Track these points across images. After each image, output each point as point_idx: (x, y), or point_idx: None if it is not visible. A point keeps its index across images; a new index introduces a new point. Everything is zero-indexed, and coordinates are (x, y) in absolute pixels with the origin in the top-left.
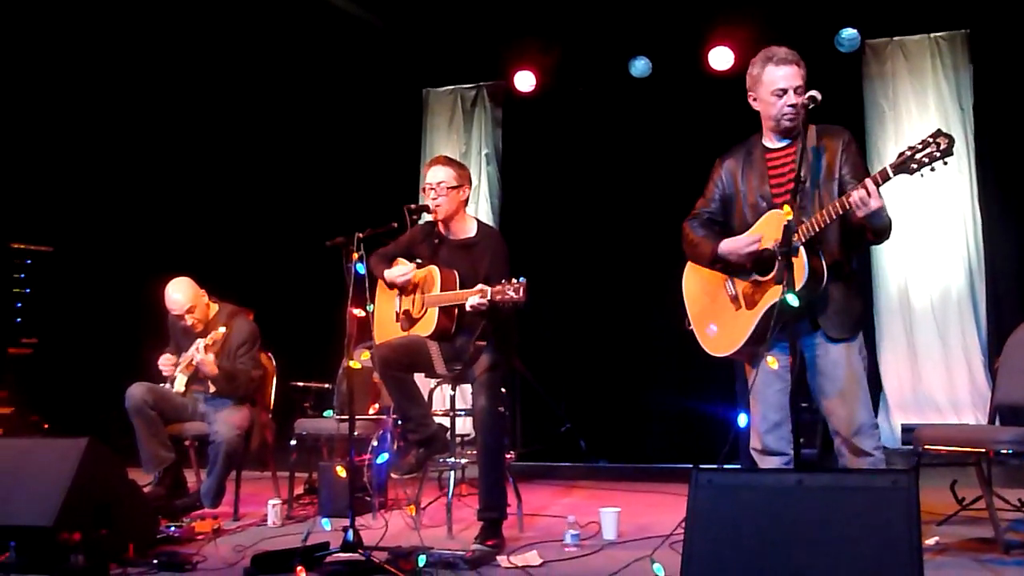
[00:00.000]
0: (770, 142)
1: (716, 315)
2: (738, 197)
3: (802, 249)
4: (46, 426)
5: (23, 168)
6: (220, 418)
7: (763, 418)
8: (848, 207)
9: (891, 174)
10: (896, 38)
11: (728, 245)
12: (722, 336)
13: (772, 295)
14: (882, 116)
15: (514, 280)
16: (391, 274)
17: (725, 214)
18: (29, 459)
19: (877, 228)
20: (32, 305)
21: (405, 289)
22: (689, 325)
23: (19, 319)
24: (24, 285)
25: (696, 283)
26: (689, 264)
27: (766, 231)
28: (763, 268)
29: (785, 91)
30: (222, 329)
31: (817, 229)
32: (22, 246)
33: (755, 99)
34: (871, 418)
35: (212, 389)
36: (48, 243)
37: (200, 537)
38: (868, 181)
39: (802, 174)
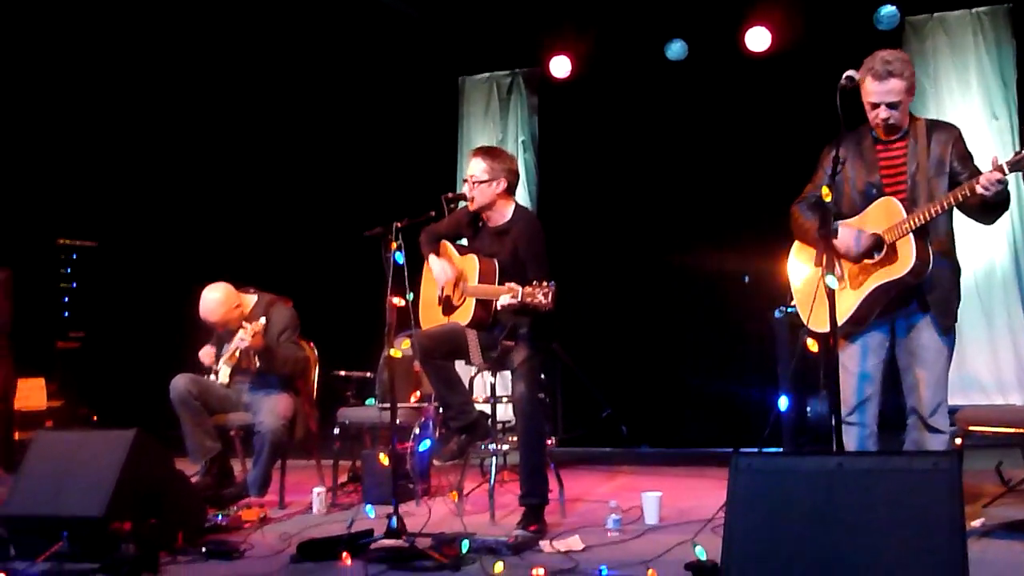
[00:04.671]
0: (880, 135)
1: (821, 294)
2: (846, 184)
3: (911, 235)
4: (95, 418)
5: (67, 166)
6: (264, 408)
7: (856, 391)
8: (968, 194)
9: (1008, 171)
10: (936, 14)
11: (842, 240)
12: (821, 312)
13: (878, 277)
14: (923, 94)
15: (544, 284)
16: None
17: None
18: (79, 451)
19: (996, 203)
20: (79, 299)
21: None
22: (791, 301)
23: (66, 313)
24: (71, 280)
25: (802, 263)
26: (796, 244)
27: (874, 218)
28: (871, 252)
29: (877, 105)
30: (263, 320)
31: (930, 217)
32: (68, 242)
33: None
34: (946, 398)
35: (257, 364)
36: (93, 238)
37: (247, 525)
38: (1004, 165)
39: (911, 168)
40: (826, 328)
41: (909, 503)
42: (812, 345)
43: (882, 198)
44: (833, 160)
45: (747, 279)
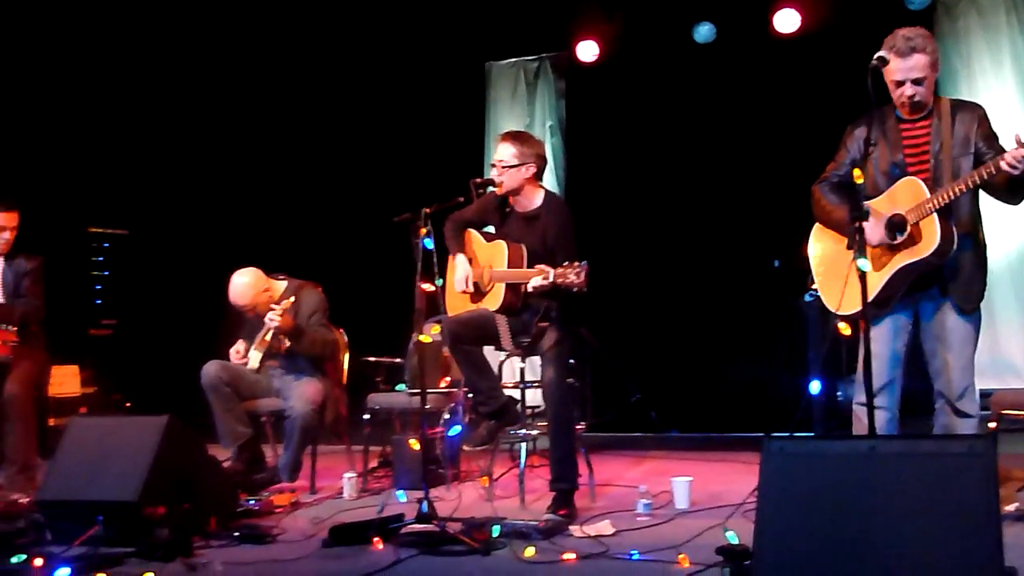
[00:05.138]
0: (903, 114)
1: (843, 276)
2: (869, 164)
3: (935, 215)
4: (127, 405)
5: (98, 155)
6: (295, 393)
7: (877, 374)
8: (993, 172)
9: None
10: None
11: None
12: (851, 295)
13: (901, 258)
14: (955, 75)
15: (576, 264)
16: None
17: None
18: (113, 437)
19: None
20: (111, 287)
21: (474, 260)
22: (812, 284)
23: (99, 301)
24: (102, 268)
25: (823, 244)
26: (816, 226)
27: (898, 198)
28: (894, 233)
29: (902, 82)
30: (291, 299)
31: (954, 196)
32: (99, 230)
33: (885, 77)
34: (974, 383)
35: (287, 345)
36: (124, 227)
37: (279, 510)
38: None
39: (934, 147)
40: (850, 310)
41: (943, 487)
42: (844, 329)
43: (905, 178)
44: (865, 142)
45: (778, 263)
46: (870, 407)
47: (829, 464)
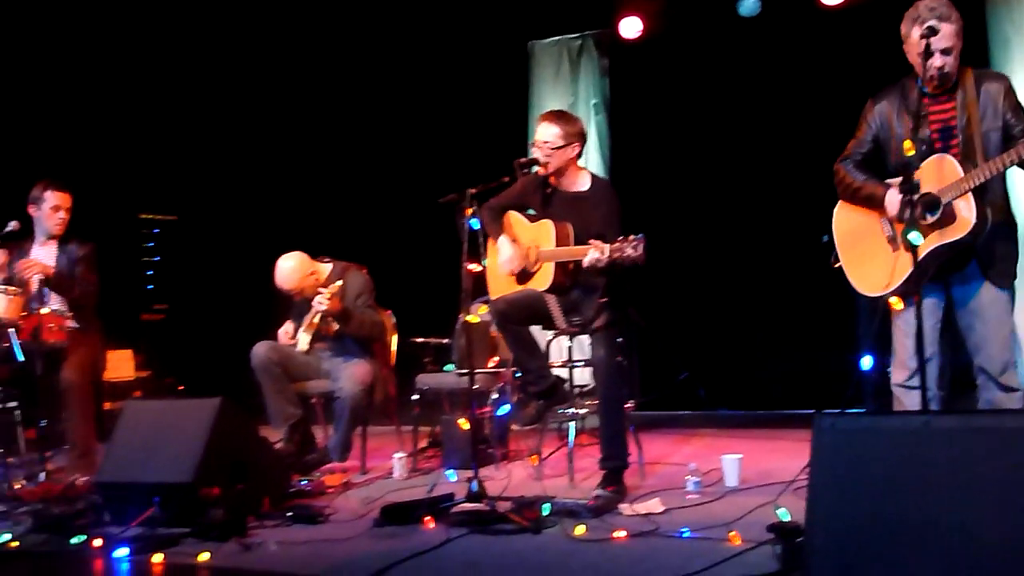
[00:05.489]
0: (929, 87)
1: (872, 255)
2: (893, 140)
3: (971, 195)
4: (180, 388)
5: (147, 141)
6: (344, 374)
7: (912, 354)
8: None
9: None
10: None
11: (892, 203)
12: (877, 276)
13: (934, 239)
14: (1007, 43)
15: (632, 237)
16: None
17: (878, 155)
18: (167, 419)
19: None
20: (161, 272)
21: (517, 242)
22: (836, 263)
23: (150, 286)
24: (153, 253)
25: (849, 223)
26: (840, 204)
27: (928, 176)
28: (924, 212)
29: (931, 54)
30: (339, 283)
31: (991, 175)
32: (149, 216)
33: (907, 52)
34: (1014, 356)
35: (336, 327)
36: (173, 212)
37: (330, 490)
38: None
39: (962, 121)
40: (881, 291)
41: (998, 462)
42: (896, 304)
43: (936, 155)
44: (914, 116)
45: (826, 238)
46: (923, 384)
47: (882, 440)
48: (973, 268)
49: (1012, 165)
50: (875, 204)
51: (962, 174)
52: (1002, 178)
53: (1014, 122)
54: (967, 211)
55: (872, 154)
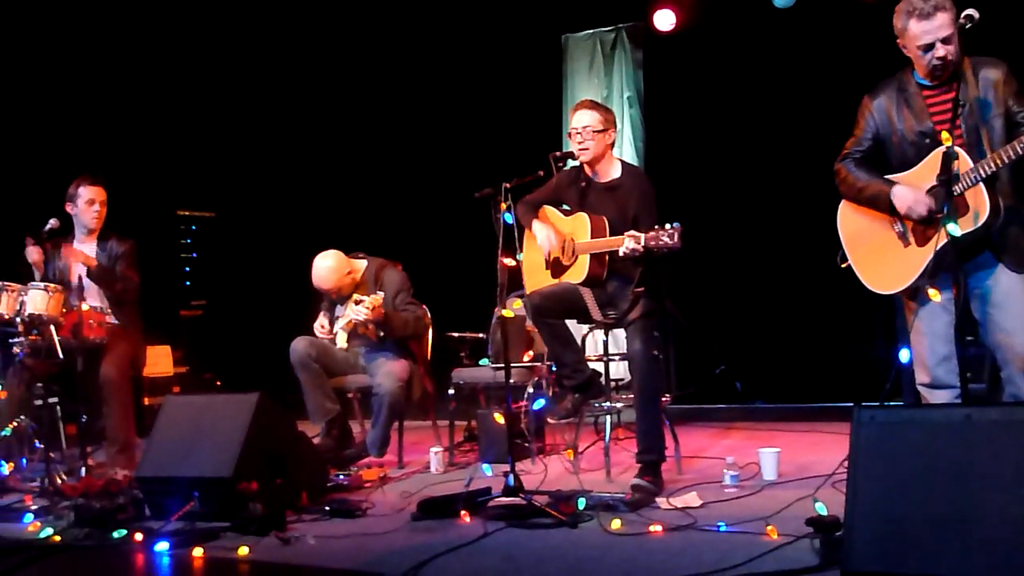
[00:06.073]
0: (924, 79)
1: (882, 253)
2: (894, 135)
3: (982, 185)
4: (218, 383)
5: (185, 140)
6: (382, 370)
7: (931, 351)
8: None
9: None
10: None
11: (903, 199)
12: (890, 273)
13: (955, 231)
14: None
15: (668, 226)
16: (540, 237)
17: (878, 152)
18: (206, 415)
19: None
20: (199, 269)
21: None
22: (843, 263)
23: (188, 283)
24: (191, 250)
25: (855, 221)
26: (844, 204)
27: (935, 167)
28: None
29: (932, 45)
30: (380, 294)
31: (1002, 163)
32: (187, 213)
33: (904, 47)
34: None
35: (380, 334)
36: (211, 209)
37: (368, 485)
38: None
39: (965, 110)
40: (896, 288)
41: None
42: (935, 296)
43: (938, 148)
44: (954, 103)
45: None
46: (963, 377)
47: (923, 433)
48: (987, 256)
49: (1019, 156)
50: (880, 205)
51: (971, 164)
52: (1009, 164)
53: (1016, 108)
54: (981, 202)
55: (872, 151)
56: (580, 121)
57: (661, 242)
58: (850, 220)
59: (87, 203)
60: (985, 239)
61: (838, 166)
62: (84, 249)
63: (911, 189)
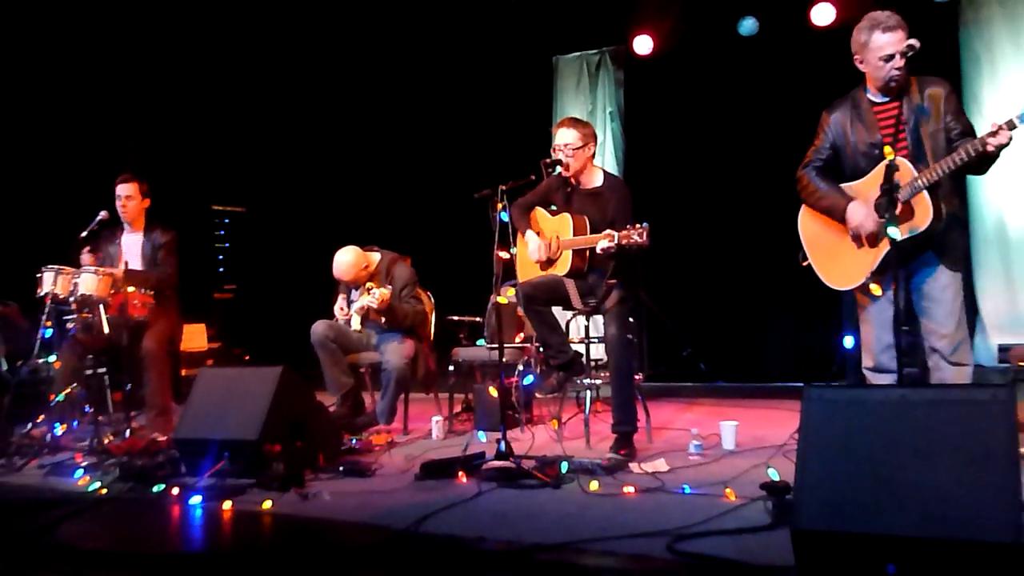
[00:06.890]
0: (875, 96)
1: (839, 253)
2: (848, 147)
3: (925, 192)
4: (247, 358)
5: (219, 141)
6: (390, 349)
7: (877, 339)
8: (980, 150)
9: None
10: None
11: (854, 216)
12: (847, 272)
13: (895, 235)
14: (977, 62)
15: (638, 225)
16: (531, 246)
17: (836, 160)
18: (236, 385)
19: (996, 157)
20: (231, 257)
21: (541, 234)
22: (804, 261)
23: (221, 269)
24: (224, 241)
25: (815, 225)
26: (805, 208)
27: (881, 179)
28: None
29: (892, 56)
30: (388, 288)
31: (943, 173)
32: (221, 207)
33: (861, 61)
34: (967, 335)
35: (383, 321)
36: (242, 204)
37: (377, 448)
38: (1005, 127)
39: (910, 124)
40: (850, 285)
41: (967, 431)
42: (875, 289)
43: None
44: (896, 118)
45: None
46: (900, 365)
47: (865, 410)
48: (929, 256)
49: (960, 165)
50: (835, 215)
51: (915, 174)
52: (949, 175)
53: (953, 124)
54: (926, 207)
55: (832, 159)
56: (562, 139)
57: (632, 240)
58: (810, 223)
59: (118, 199)
60: (928, 240)
61: (800, 173)
62: (131, 239)
63: (863, 206)
